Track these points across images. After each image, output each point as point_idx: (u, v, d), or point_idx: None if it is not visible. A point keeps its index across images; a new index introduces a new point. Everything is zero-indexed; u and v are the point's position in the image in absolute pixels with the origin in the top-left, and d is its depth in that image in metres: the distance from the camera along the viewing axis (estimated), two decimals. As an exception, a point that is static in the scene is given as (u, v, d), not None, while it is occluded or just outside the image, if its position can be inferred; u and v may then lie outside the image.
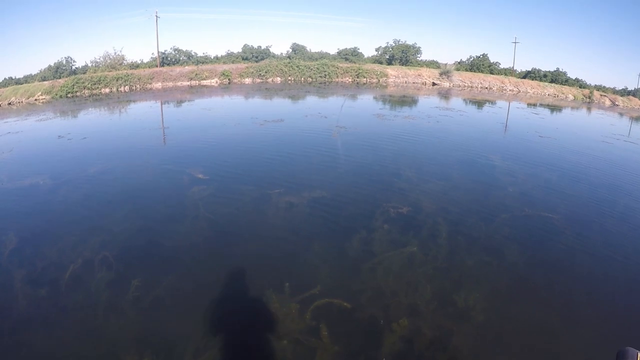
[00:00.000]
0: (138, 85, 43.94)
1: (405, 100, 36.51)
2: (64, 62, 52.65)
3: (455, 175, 13.31)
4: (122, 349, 5.46)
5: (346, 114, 25.95)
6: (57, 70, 50.93)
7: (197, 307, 6.35)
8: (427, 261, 7.90)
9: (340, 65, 55.36)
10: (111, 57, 52.69)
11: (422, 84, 54.31)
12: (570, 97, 55.65)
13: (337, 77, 52.72)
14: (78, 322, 6.08)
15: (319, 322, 6.02)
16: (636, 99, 59.42)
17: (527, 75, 66.86)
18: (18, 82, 50.55)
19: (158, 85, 45.01)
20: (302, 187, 11.35)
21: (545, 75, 65.14)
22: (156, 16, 53.66)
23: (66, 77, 45.99)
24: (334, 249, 8.26)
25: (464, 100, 40.40)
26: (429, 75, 56.33)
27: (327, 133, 18.86)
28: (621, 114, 42.64)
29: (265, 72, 50.37)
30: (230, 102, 33.67)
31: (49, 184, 11.96)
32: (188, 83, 46.58)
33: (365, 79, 53.16)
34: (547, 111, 37.50)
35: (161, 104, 32.44)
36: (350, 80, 52.74)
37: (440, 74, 56.19)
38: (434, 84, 54.24)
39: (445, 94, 43.95)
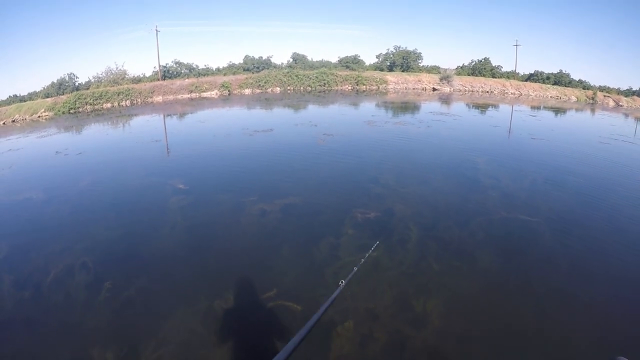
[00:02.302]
0: (139, 100, 44.30)
1: (401, 107, 36.54)
2: (67, 78, 52.96)
3: (436, 180, 13.34)
4: (94, 345, 5.92)
5: (337, 121, 26.28)
6: (60, 87, 51.28)
7: (163, 307, 6.77)
8: (392, 266, 7.93)
9: (340, 73, 55.39)
10: (113, 72, 53.03)
11: (423, 89, 54.29)
12: (573, 98, 55.41)
13: (337, 85, 52.74)
14: (57, 321, 6.63)
15: (270, 324, 6.34)
16: (640, 99, 59.23)
17: (529, 77, 66.55)
18: (22, 99, 50.97)
19: (159, 98, 45.27)
20: (278, 194, 11.56)
21: (548, 78, 64.83)
22: (156, 30, 54.25)
23: (69, 93, 46.49)
24: (302, 254, 8.45)
25: (464, 104, 40.31)
26: (429, 80, 56.34)
27: (313, 141, 19.02)
28: (626, 115, 42.38)
29: (265, 83, 50.52)
30: (225, 113, 33.97)
31: (41, 198, 12.53)
32: (188, 95, 46.88)
33: (365, 86, 53.17)
34: (546, 113, 37.35)
35: (158, 118, 32.80)
36: (349, 88, 52.76)
37: (441, 79, 56.21)
38: (434, 89, 54.25)
39: (445, 99, 43.89)
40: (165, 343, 5.89)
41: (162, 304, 6.87)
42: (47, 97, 47.52)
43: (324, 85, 52.18)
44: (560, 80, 63.77)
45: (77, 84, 53.32)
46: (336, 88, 52.19)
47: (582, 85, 63.08)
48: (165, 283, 7.53)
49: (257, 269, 7.93)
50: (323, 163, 15.10)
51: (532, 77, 66.10)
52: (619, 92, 62.90)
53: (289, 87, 51.14)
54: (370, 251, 3.86)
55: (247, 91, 49.30)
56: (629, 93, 63.32)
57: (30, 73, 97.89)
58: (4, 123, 37.90)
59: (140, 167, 15.52)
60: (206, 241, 9.22)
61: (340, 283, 3.53)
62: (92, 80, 53.10)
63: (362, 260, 3.61)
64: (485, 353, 5.90)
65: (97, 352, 5.75)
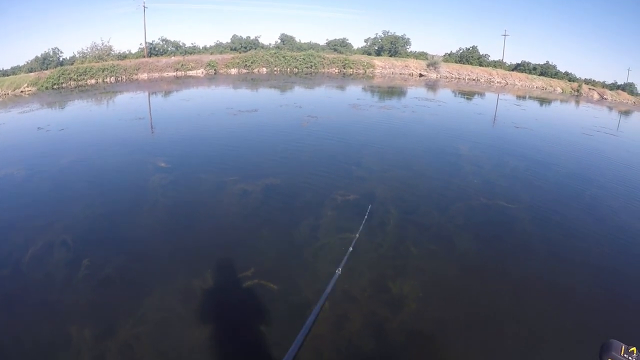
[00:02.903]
0: (124, 76, 43.73)
1: (387, 91, 36.63)
2: (51, 53, 52.04)
3: (418, 165, 13.44)
4: (72, 322, 5.91)
5: (322, 103, 26.39)
6: (44, 62, 50.43)
7: (141, 285, 6.78)
8: (371, 248, 7.96)
9: (327, 56, 55.17)
10: (99, 47, 52.07)
11: (409, 75, 54.30)
12: (559, 90, 55.88)
13: (324, 67, 52.55)
14: (35, 298, 6.57)
15: (246, 302, 6.41)
16: (625, 93, 59.76)
17: (516, 67, 66.92)
18: (5, 73, 50.10)
19: (144, 76, 44.77)
20: (260, 175, 11.55)
21: (534, 68, 65.28)
22: (144, 6, 53.57)
23: (53, 68, 45.86)
24: (281, 234, 8.50)
25: (449, 91, 40.48)
26: (416, 66, 56.36)
27: (297, 123, 19.06)
28: (610, 108, 42.91)
29: (251, 63, 50.19)
30: (211, 92, 33.82)
31: (22, 174, 12.25)
32: (174, 74, 46.38)
33: (352, 70, 53.00)
34: (531, 103, 37.67)
35: (142, 95, 32.49)
36: (336, 71, 52.58)
37: (428, 65, 56.23)
38: (421, 75, 54.30)
39: (431, 85, 43.91)
40: (142, 321, 5.89)
41: (141, 283, 6.87)
42: (31, 71, 46.81)
43: (311, 68, 51.98)
44: (546, 71, 64.35)
45: (61, 59, 52.52)
46: (323, 70, 52.02)
47: (568, 77, 63.71)
48: (144, 262, 7.53)
49: (236, 249, 7.96)
50: (306, 145, 15.09)
51: (519, 67, 66.59)
52: (604, 85, 63.73)
53: (275, 68, 50.82)
54: (361, 226, 3.81)
55: (234, 71, 48.94)
56: (613, 87, 64.19)
57: (13, 47, 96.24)
58: (-15, 98, 37.43)
59: (122, 145, 15.36)
60: (186, 220, 9.21)
61: (337, 270, 3.39)
62: (77, 56, 52.23)
63: (355, 238, 3.56)
64: (461, 335, 5.96)
65: (75, 330, 5.73)
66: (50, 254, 7.71)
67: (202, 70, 47.63)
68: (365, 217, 4.32)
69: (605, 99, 54.64)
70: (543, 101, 40.64)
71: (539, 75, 62.19)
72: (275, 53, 52.93)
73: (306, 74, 48.97)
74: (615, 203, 11.70)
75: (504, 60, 67.53)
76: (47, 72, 42.18)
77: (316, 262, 7.48)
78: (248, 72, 48.71)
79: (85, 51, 52.21)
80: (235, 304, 6.41)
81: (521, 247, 8.62)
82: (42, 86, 38.96)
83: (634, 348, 2.15)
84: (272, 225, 8.85)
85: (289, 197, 10.32)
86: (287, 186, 10.98)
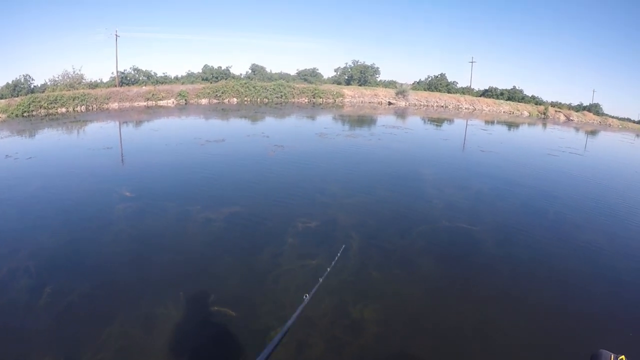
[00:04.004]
0: (95, 105, 43.45)
1: (355, 120, 37.11)
2: (22, 80, 51.85)
3: (381, 190, 13.63)
4: (33, 349, 5.92)
5: (290, 133, 26.53)
6: (15, 89, 50.07)
7: (103, 313, 6.76)
8: (332, 273, 7.94)
9: (297, 85, 55.85)
10: (70, 76, 51.86)
11: (379, 103, 55.20)
12: (526, 113, 57.31)
13: (294, 97, 53.11)
14: None
15: (206, 329, 6.49)
16: (590, 114, 61.62)
17: (484, 93, 68.45)
18: (-25, 100, 50.07)
19: (115, 105, 44.44)
20: (224, 204, 11.64)
21: (502, 94, 66.90)
22: (116, 35, 53.72)
23: (24, 95, 45.60)
24: (243, 261, 8.54)
25: (417, 118, 41.21)
26: (385, 94, 57.31)
27: (263, 152, 19.17)
28: (576, 129, 43.97)
29: (222, 93, 50.42)
30: (180, 122, 33.85)
31: None
32: (145, 103, 46.21)
33: (321, 100, 53.72)
34: (498, 127, 38.56)
35: (112, 125, 32.23)
36: (306, 100, 53.24)
37: (397, 94, 57.25)
38: (390, 103, 55.20)
39: (400, 113, 44.66)
40: (104, 349, 5.89)
41: (103, 310, 6.86)
42: (1, 98, 46.46)
43: (281, 97, 52.46)
44: (513, 96, 66.01)
45: (32, 86, 52.33)
46: (293, 100, 52.55)
47: (535, 100, 65.40)
48: (107, 289, 7.52)
49: (198, 277, 8.00)
50: (271, 174, 15.22)
51: (487, 93, 68.06)
52: (570, 107, 65.57)
53: (246, 98, 51.10)
54: (334, 262, 3.98)
55: (204, 101, 49.07)
56: (579, 108, 66.04)
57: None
58: (-46, 124, 37.10)
59: (89, 174, 15.26)
60: (149, 249, 9.22)
61: (304, 297, 3.39)
62: (49, 83, 52.00)
63: (326, 271, 3.72)
64: (424, 354, 6.04)
65: (36, 357, 5.75)
66: (14, 281, 7.72)
67: (172, 100, 47.62)
68: (338, 255, 4.47)
69: (572, 120, 56.18)
70: (510, 125, 41.66)
71: (506, 100, 63.83)
72: (245, 83, 53.29)
73: (276, 104, 49.32)
74: (579, 220, 12.12)
75: (472, 87, 69.25)
76: (18, 99, 41.80)
77: (277, 289, 7.54)
78: (219, 102, 48.93)
79: (57, 79, 52.11)
80: (195, 331, 6.42)
81: (484, 267, 8.77)
82: (12, 113, 38.60)
83: (623, 356, 2.25)
84: (234, 253, 8.91)
85: (252, 225, 10.38)
86: (250, 214, 11.04)
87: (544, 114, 57.69)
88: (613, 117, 66.29)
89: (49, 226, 10.34)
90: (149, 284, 7.75)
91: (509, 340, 6.35)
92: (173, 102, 47.36)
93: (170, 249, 9.22)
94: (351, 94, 56.19)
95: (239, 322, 6.65)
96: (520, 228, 11.02)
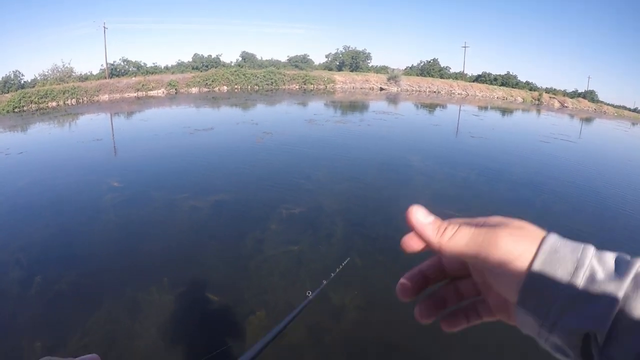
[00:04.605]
0: (85, 98, 43.37)
1: (346, 106, 37.15)
2: (12, 76, 51.63)
3: (368, 177, 13.65)
4: (24, 335, 6.11)
5: (279, 120, 26.72)
6: (5, 85, 49.84)
7: (90, 300, 6.93)
8: (314, 259, 8.09)
9: (287, 72, 55.84)
10: (60, 69, 51.72)
11: (370, 89, 55.13)
12: (520, 99, 57.17)
13: (284, 84, 53.15)
14: None
15: (189, 313, 6.65)
16: (585, 101, 61.23)
17: (477, 79, 68.23)
18: (-34, 97, 49.96)
19: (105, 97, 44.34)
20: (210, 191, 11.76)
21: (495, 79, 66.65)
22: (104, 27, 53.56)
23: (14, 91, 45.51)
24: (227, 248, 8.65)
25: (409, 104, 41.17)
26: (376, 80, 57.22)
27: (251, 139, 19.30)
28: (571, 116, 43.81)
29: (212, 81, 50.43)
30: (170, 112, 33.91)
31: None
32: (135, 94, 46.16)
33: (312, 86, 53.78)
34: (490, 113, 38.56)
35: (102, 117, 32.37)
36: (297, 87, 53.26)
37: (388, 79, 57.16)
38: (381, 89, 55.14)
39: (392, 99, 44.74)
40: (90, 333, 6.07)
41: (91, 297, 7.02)
42: (-9, 95, 46.53)
43: (272, 85, 52.48)
44: (507, 81, 65.59)
45: (22, 81, 52.06)
46: (284, 87, 52.56)
47: (529, 86, 65.01)
48: (94, 277, 7.66)
49: (183, 263, 8.12)
50: (258, 161, 15.32)
51: (480, 78, 67.78)
52: (564, 93, 65.01)
53: (236, 86, 51.15)
54: (340, 267, 3.98)
55: (194, 90, 49.02)
56: (574, 95, 65.50)
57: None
58: (-56, 121, 37.06)
59: (79, 166, 15.43)
60: (136, 237, 9.38)
61: (307, 294, 3.29)
62: (39, 78, 51.81)
63: (332, 275, 3.71)
64: (406, 344, 6.07)
65: (26, 342, 5.90)
66: (6, 272, 7.91)
67: (163, 90, 47.52)
68: (342, 265, 4.39)
69: (566, 107, 56.04)
70: (504, 111, 41.54)
71: (500, 85, 63.48)
72: (235, 71, 53.24)
73: (267, 91, 49.40)
74: (567, 208, 12.06)
75: (465, 72, 68.78)
76: (8, 96, 41.73)
77: (260, 274, 7.61)
78: (209, 91, 48.91)
79: (47, 73, 51.93)
80: (179, 316, 6.54)
81: None
82: (3, 110, 38.51)
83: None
84: (219, 240, 9.02)
85: (237, 212, 10.53)
86: (235, 202, 11.19)
87: (538, 100, 57.44)
88: (608, 104, 66.07)
89: (39, 219, 10.48)
90: (135, 271, 7.89)
91: (490, 332, 6.01)
92: (163, 92, 47.28)
93: (156, 237, 9.35)
94: (342, 79, 56.13)
95: (223, 306, 6.82)
96: (507, 215, 10.90)
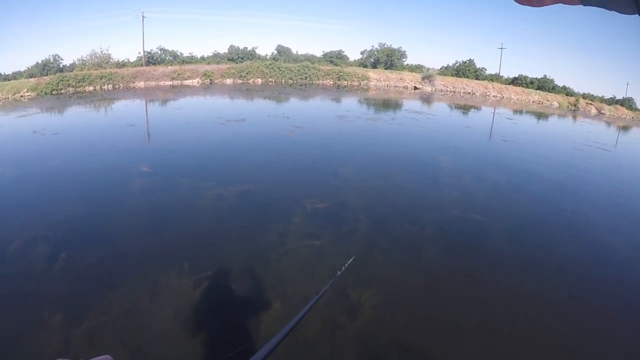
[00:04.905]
0: (121, 84, 44.12)
1: (378, 103, 36.82)
2: (52, 59, 52.51)
3: (396, 176, 13.48)
4: (44, 309, 6.25)
5: (311, 114, 26.69)
6: (45, 68, 50.88)
7: (112, 279, 7.10)
8: (336, 255, 7.92)
9: (322, 67, 55.74)
10: (98, 55, 52.70)
11: (404, 87, 54.63)
12: (555, 104, 55.96)
13: (318, 79, 53.12)
14: (17, 286, 7.01)
15: (207, 299, 6.67)
16: (623, 108, 59.13)
17: (513, 81, 66.99)
18: (6, 78, 50.61)
19: (141, 84, 45.14)
20: (236, 182, 11.84)
21: (531, 82, 65.36)
22: (142, 16, 54.30)
23: (53, 74, 46.33)
24: (249, 238, 8.66)
25: (442, 104, 40.61)
26: (410, 79, 56.71)
27: (282, 133, 19.31)
28: (607, 123, 42.63)
29: (247, 73, 50.67)
30: (203, 101, 34.19)
31: (14, 174, 12.92)
32: (170, 83, 46.79)
33: (346, 82, 53.54)
34: (525, 117, 37.66)
35: (137, 103, 32.92)
36: (331, 82, 53.11)
37: (422, 78, 56.58)
38: (415, 87, 54.62)
39: (425, 98, 44.25)
40: (109, 311, 6.18)
41: (112, 277, 7.15)
42: (31, 77, 47.28)
43: (306, 79, 52.46)
44: (543, 85, 64.19)
45: (61, 65, 53.05)
46: (318, 82, 52.51)
47: (566, 91, 63.34)
48: (117, 258, 7.83)
49: (205, 250, 8.18)
50: (286, 154, 15.35)
51: (516, 81, 66.53)
52: (602, 100, 63.15)
53: (270, 79, 51.26)
54: (346, 266, 3.86)
55: (229, 81, 49.37)
56: (612, 101, 63.48)
57: (15, 53, 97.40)
58: (-15, 101, 37.95)
59: (111, 150, 15.80)
60: (161, 222, 9.50)
61: (315, 293, 3.19)
62: (77, 63, 52.83)
63: (338, 273, 3.62)
64: (420, 348, 5.89)
65: (47, 316, 6.04)
66: (32, 248, 8.14)
67: (197, 79, 47.97)
68: (347, 264, 4.19)
69: (603, 113, 54.62)
70: (539, 116, 40.66)
71: (536, 89, 62.24)
72: (270, 64, 53.41)
73: (300, 85, 49.39)
74: (596, 218, 11.55)
75: (501, 74, 67.60)
76: (47, 78, 42.64)
77: (280, 266, 7.62)
78: (243, 83, 49.16)
79: (85, 58, 52.87)
80: (197, 301, 6.58)
81: (491, 261, 8.48)
82: (42, 91, 39.42)
83: None
84: (241, 230, 9.03)
85: (262, 203, 10.50)
86: (261, 193, 11.20)
87: (575, 105, 55.87)
88: (647, 112, 64.38)
89: (69, 198, 10.75)
90: (157, 255, 8.02)
91: (509, 339, 6.11)
92: (198, 82, 47.71)
93: (180, 222, 9.49)
94: (376, 77, 55.83)
95: (240, 295, 6.86)
96: (534, 223, 10.69)
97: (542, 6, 0.73)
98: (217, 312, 6.41)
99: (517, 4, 0.72)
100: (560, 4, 0.73)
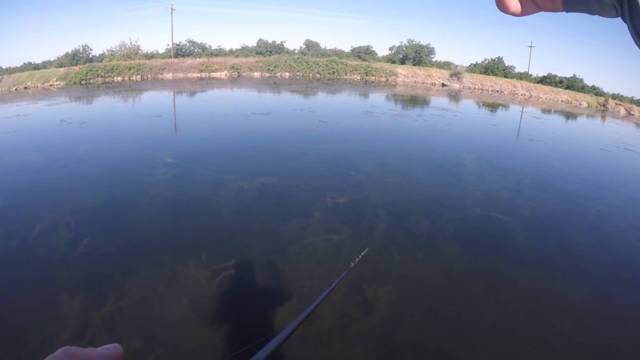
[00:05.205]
0: (149, 75, 44.75)
1: (405, 99, 36.62)
2: (81, 49, 53.39)
3: (418, 172, 13.39)
4: (63, 292, 6.44)
5: (336, 109, 26.58)
6: (74, 58, 51.75)
7: (131, 266, 7.28)
8: (353, 250, 7.71)
9: (350, 62, 55.58)
10: (127, 46, 53.59)
11: (432, 84, 54.26)
12: (584, 104, 55.02)
13: (346, 74, 53.01)
14: (37, 269, 7.22)
15: (223, 290, 6.71)
16: (654, 110, 58.41)
17: (542, 80, 66.12)
18: (36, 67, 51.64)
19: (169, 75, 45.72)
20: (258, 174, 11.86)
21: (560, 82, 64.38)
22: (172, 9, 54.84)
23: (82, 64, 47.11)
24: (269, 231, 8.69)
25: (469, 102, 40.31)
26: (439, 76, 56.29)
27: (307, 127, 19.37)
28: (637, 124, 41.72)
29: (274, 67, 50.88)
30: (230, 94, 34.42)
31: (40, 162, 13.17)
32: (198, 75, 47.29)
33: (374, 78, 53.38)
34: (552, 117, 37.10)
35: (164, 94, 33.35)
36: (358, 78, 52.99)
37: (451, 75, 56.09)
38: (443, 84, 54.21)
39: (453, 96, 43.89)
40: (127, 297, 6.32)
41: (131, 263, 7.31)
42: (61, 66, 48.13)
43: (333, 74, 52.45)
44: (573, 84, 63.13)
45: (90, 56, 53.95)
46: (345, 77, 52.45)
47: (595, 91, 62.20)
48: (138, 245, 7.99)
49: (223, 242, 8.26)
50: (310, 148, 15.38)
51: (545, 80, 65.64)
52: (632, 100, 61.78)
53: (298, 73, 51.46)
54: (359, 257, 3.77)
55: (257, 74, 49.63)
56: (642, 102, 62.26)
57: (45, 42, 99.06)
58: (16, 89, 38.65)
59: (136, 140, 16.13)
60: (182, 212, 9.61)
61: (328, 284, 2.88)
62: (106, 54, 53.69)
63: (352, 264, 3.54)
64: (436, 344, 5.85)
65: (65, 299, 6.20)
66: (55, 232, 8.37)
67: (225, 72, 48.36)
68: (361, 255, 4.02)
69: (633, 114, 53.37)
70: (567, 115, 39.99)
71: (565, 88, 61.22)
72: (298, 58, 53.54)
73: (328, 80, 49.39)
74: (623, 223, 11.15)
75: (530, 73, 66.75)
76: (76, 68, 43.37)
77: (298, 259, 7.62)
78: (271, 76, 49.43)
79: (114, 49, 53.68)
80: (212, 292, 6.63)
81: (512, 261, 8.32)
82: (71, 81, 40.09)
83: None
84: (261, 222, 9.06)
85: (283, 196, 10.56)
86: (283, 186, 11.25)
87: (604, 106, 54.58)
88: (679, 114, 62.97)
89: (92, 186, 10.99)
90: (177, 244, 8.12)
91: (527, 341, 5.95)
92: (226, 75, 48.06)
93: (201, 213, 9.59)
94: (404, 73, 55.52)
95: (256, 286, 6.98)
96: (557, 224, 10.41)
97: (524, 15, 0.74)
98: (232, 304, 6.48)
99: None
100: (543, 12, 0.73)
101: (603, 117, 43.47)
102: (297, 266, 7.46)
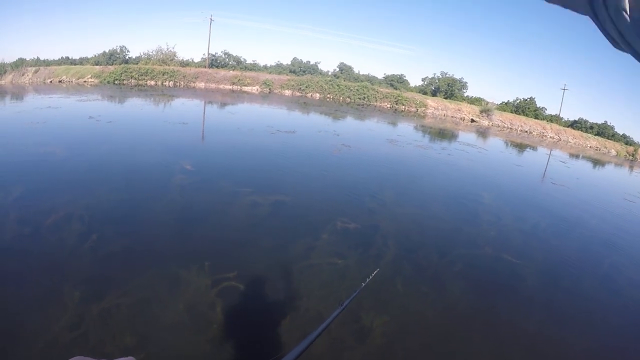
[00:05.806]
0: (182, 82, 45.46)
1: (432, 132, 36.54)
2: (118, 50, 54.57)
3: (434, 206, 13.25)
4: (67, 282, 6.59)
5: (361, 134, 26.71)
6: (111, 57, 52.79)
7: (136, 266, 7.38)
8: (356, 277, 7.75)
9: (381, 90, 55.76)
10: (163, 52, 54.67)
11: (461, 119, 54.03)
12: (613, 152, 54.22)
13: (376, 101, 53.13)
14: (46, 257, 7.39)
15: (221, 300, 6.71)
16: (685, 162, 57.42)
17: (572, 124, 65.54)
18: (73, 62, 52.88)
19: (201, 85, 46.43)
20: (274, 191, 11.95)
21: (591, 127, 63.74)
22: (210, 19, 55.84)
23: (118, 64, 48.06)
24: (275, 248, 8.70)
25: (496, 140, 40.01)
26: (468, 111, 56.05)
27: (329, 149, 19.36)
28: None
29: (306, 87, 51.30)
30: (258, 109, 34.75)
31: (63, 154, 13.61)
32: (230, 87, 47.89)
33: (404, 107, 53.34)
34: (578, 162, 36.67)
35: (194, 103, 33.86)
36: (388, 105, 53.01)
37: (481, 112, 55.81)
38: (472, 120, 53.92)
39: (482, 132, 43.59)
40: (127, 294, 6.43)
41: (137, 264, 7.42)
42: (97, 64, 49.22)
43: (364, 99, 52.69)
44: (603, 131, 62.49)
45: (127, 57, 54.92)
46: (375, 104, 52.57)
47: (625, 139, 61.43)
48: (145, 247, 8.11)
49: (229, 253, 8.30)
50: (328, 170, 15.42)
51: (575, 125, 65.10)
52: (663, 152, 60.96)
53: (329, 95, 51.68)
54: (370, 277, 3.73)
55: (288, 92, 50.13)
56: (673, 154, 61.30)
57: (84, 39, 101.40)
58: (51, 81, 39.58)
59: (159, 144, 16.34)
60: (193, 220, 9.66)
61: (339, 305, 3.14)
62: (142, 56, 54.65)
63: (363, 284, 3.52)
64: None
65: (67, 289, 6.34)
66: (68, 224, 8.60)
67: (257, 87, 48.89)
68: (372, 276, 3.96)
69: (662, 166, 52.76)
70: (594, 162, 39.34)
71: (595, 134, 60.59)
72: (330, 80, 53.93)
73: (358, 105, 49.50)
74: (636, 276, 10.87)
75: (561, 115, 66.23)
76: (111, 68, 44.29)
77: (300, 279, 7.63)
78: (301, 96, 49.82)
79: (150, 53, 54.63)
80: (210, 301, 6.66)
81: (518, 305, 8.17)
82: (105, 80, 40.93)
83: None
84: (269, 238, 9.07)
85: (295, 215, 10.59)
86: (295, 205, 11.30)
87: (633, 155, 53.62)
88: None
89: (110, 184, 11.25)
90: (184, 250, 8.17)
91: None
92: (257, 90, 48.58)
93: (211, 222, 9.70)
94: (434, 105, 55.44)
95: (254, 301, 6.92)
96: (570, 272, 10.18)
97: None
98: (226, 315, 6.45)
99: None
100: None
101: (631, 167, 42.71)
102: (297, 286, 7.44)
